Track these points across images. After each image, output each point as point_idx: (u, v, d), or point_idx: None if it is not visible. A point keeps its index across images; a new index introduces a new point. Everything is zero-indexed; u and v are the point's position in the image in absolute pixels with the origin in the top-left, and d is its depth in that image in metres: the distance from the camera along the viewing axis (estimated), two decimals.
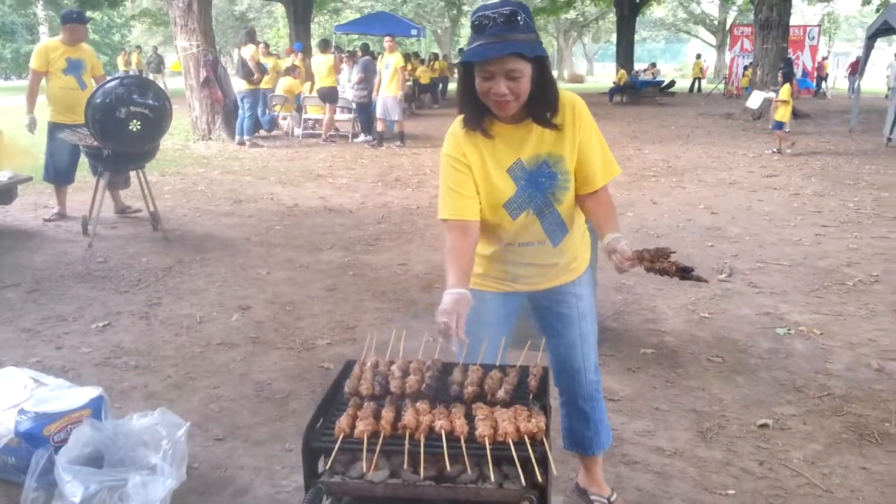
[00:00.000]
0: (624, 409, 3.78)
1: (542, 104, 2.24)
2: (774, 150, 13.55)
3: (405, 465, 1.76)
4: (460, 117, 2.34)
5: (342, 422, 1.87)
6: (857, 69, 31.64)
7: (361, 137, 14.91)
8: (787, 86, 13.16)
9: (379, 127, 14.22)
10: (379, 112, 14.13)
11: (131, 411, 3.55)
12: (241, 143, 13.82)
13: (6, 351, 4.46)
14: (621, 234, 2.24)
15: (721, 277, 5.92)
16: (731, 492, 3.03)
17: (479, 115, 2.27)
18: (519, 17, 2.08)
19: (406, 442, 1.80)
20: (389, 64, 13.68)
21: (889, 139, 14.26)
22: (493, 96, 2.15)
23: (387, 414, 1.89)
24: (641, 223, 7.90)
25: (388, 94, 13.82)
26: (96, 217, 6.89)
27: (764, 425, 3.56)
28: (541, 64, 2.17)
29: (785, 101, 13.11)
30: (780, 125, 13.33)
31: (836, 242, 7.06)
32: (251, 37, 14.68)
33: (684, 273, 2.12)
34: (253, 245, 7.01)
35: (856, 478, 3.12)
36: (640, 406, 3.80)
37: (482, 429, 1.81)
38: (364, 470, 1.83)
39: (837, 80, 37.64)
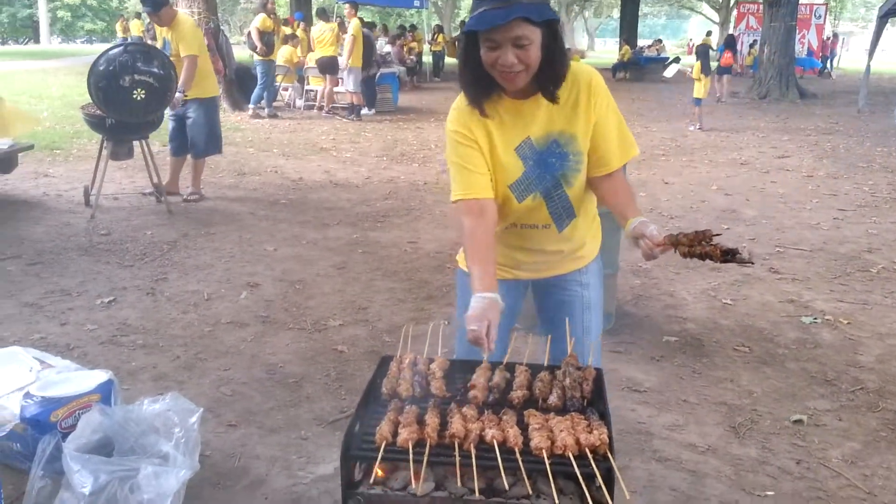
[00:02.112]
0: (651, 400, 3.64)
1: (547, 74, 2.02)
2: (696, 126, 13.86)
3: (458, 480, 1.61)
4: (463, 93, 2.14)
5: (384, 428, 1.72)
6: (835, 46, 31.40)
7: (365, 110, 14.65)
8: (697, 63, 13.61)
9: (354, 100, 14.01)
10: (352, 85, 13.89)
11: (140, 393, 3.44)
12: (258, 112, 13.70)
13: (8, 326, 4.31)
14: (647, 219, 2.06)
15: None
16: (770, 493, 2.89)
17: (483, 90, 2.06)
18: None
19: (456, 453, 1.64)
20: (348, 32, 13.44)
21: None
22: (500, 67, 1.95)
23: (432, 420, 1.74)
24: (654, 204, 7.74)
25: (347, 64, 13.57)
26: (99, 188, 6.71)
27: (798, 421, 3.42)
28: (551, 28, 1.95)
29: (696, 79, 13.51)
30: (697, 101, 13.77)
31: (855, 227, 6.91)
32: (264, 6, 14.36)
33: (729, 256, 1.88)
34: (259, 219, 6.84)
35: None
36: (668, 398, 3.67)
37: (538, 440, 1.64)
38: (407, 481, 1.69)
39: (841, 60, 37.04)
